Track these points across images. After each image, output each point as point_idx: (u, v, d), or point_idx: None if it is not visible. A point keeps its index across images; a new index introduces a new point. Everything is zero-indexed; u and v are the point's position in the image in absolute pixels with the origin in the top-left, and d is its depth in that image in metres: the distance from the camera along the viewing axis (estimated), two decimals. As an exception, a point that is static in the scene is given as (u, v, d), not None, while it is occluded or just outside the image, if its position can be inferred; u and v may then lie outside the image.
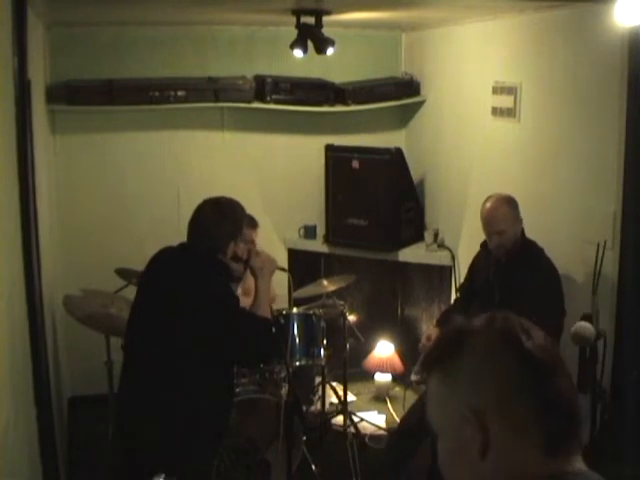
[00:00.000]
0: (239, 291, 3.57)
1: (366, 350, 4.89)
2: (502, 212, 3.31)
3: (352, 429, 4.22)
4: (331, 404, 4.55)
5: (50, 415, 2.87)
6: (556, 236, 3.50)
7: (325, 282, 4.33)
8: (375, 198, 4.75)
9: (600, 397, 2.75)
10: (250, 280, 3.06)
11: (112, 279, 3.95)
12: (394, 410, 4.69)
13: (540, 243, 3.37)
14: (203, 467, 2.73)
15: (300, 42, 3.99)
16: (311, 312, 3.75)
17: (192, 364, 2.60)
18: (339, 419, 4.29)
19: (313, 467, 3.76)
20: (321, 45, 3.96)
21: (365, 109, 5.03)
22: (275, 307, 3.35)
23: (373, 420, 4.51)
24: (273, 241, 5.07)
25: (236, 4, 3.68)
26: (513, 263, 3.33)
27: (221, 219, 2.76)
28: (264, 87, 4.78)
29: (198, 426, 2.60)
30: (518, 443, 0.99)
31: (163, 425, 2.58)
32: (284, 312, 3.65)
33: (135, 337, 2.76)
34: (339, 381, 4.40)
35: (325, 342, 3.69)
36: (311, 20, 3.88)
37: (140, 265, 3.03)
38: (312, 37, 3.95)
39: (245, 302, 2.97)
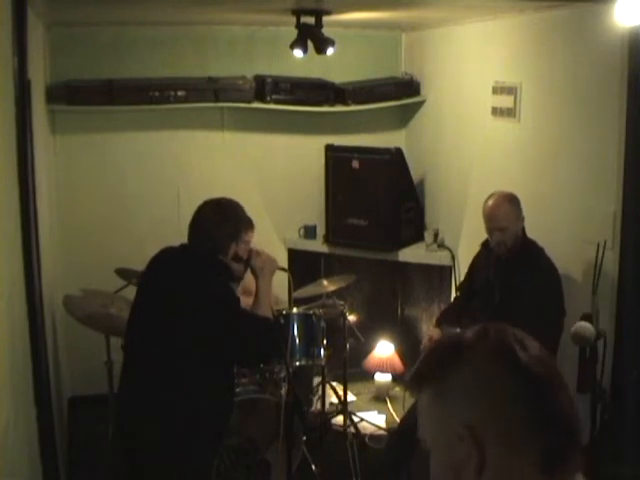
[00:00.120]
0: (239, 290, 3.57)
1: (366, 350, 4.89)
2: (504, 209, 3.32)
3: (352, 429, 4.21)
4: (331, 404, 4.55)
5: (50, 415, 2.87)
6: (556, 236, 3.50)
7: (325, 282, 4.33)
8: (375, 198, 4.75)
9: (600, 397, 2.75)
10: (250, 280, 3.06)
11: (112, 279, 3.95)
12: (394, 410, 4.69)
13: (540, 243, 3.37)
14: (203, 467, 2.73)
15: (300, 42, 3.99)
16: (311, 312, 3.75)
17: (192, 364, 2.60)
18: (339, 419, 4.29)
19: (313, 467, 3.76)
20: (321, 45, 3.96)
21: (365, 109, 5.03)
22: (275, 307, 3.35)
23: (373, 420, 4.51)
24: (273, 241, 5.07)
25: (236, 4, 3.68)
26: (513, 263, 3.34)
27: (222, 220, 2.76)
28: (264, 87, 4.78)
29: (198, 426, 2.60)
30: (515, 461, 0.95)
31: (163, 425, 2.58)
32: (284, 312, 3.65)
33: (135, 337, 2.76)
34: (339, 381, 4.40)
35: (325, 342, 3.69)
36: (311, 20, 3.88)
37: (140, 265, 3.03)
38: (312, 37, 3.95)
39: (245, 302, 2.97)
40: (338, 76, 5.06)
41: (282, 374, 3.57)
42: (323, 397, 4.31)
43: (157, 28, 4.69)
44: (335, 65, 4.92)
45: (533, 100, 3.77)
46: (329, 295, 4.27)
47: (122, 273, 3.95)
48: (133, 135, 4.78)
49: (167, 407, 2.57)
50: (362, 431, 4.29)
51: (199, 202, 2.85)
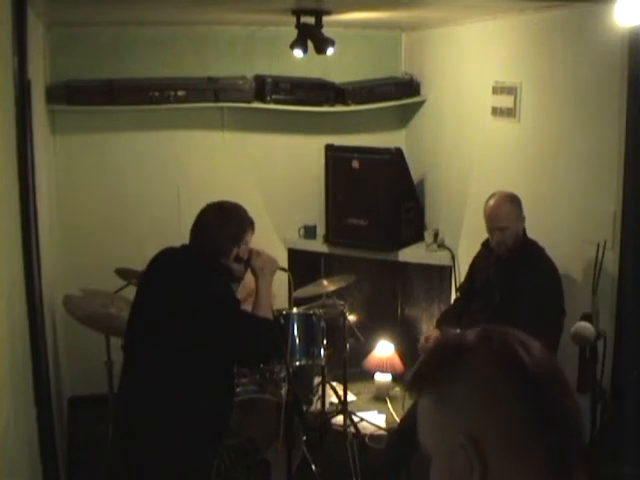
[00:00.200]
0: (244, 295, 3.56)
1: (366, 350, 4.89)
2: (505, 209, 3.33)
3: (352, 429, 4.22)
4: (331, 404, 4.55)
5: (50, 415, 2.87)
6: (556, 236, 3.50)
7: (325, 282, 4.33)
8: (375, 198, 4.75)
9: (600, 397, 2.75)
10: (250, 280, 3.06)
11: (112, 279, 3.95)
12: (394, 410, 4.69)
13: (540, 243, 3.37)
14: (203, 467, 2.73)
15: (300, 42, 3.99)
16: (311, 312, 3.75)
17: (192, 364, 2.59)
18: (339, 419, 4.29)
19: (313, 467, 3.77)
20: (321, 45, 3.96)
21: (365, 109, 5.03)
22: (275, 307, 3.35)
23: (373, 420, 4.51)
24: (273, 241, 5.07)
25: (236, 4, 3.68)
26: (514, 262, 3.34)
27: (224, 223, 2.75)
28: (264, 87, 4.78)
29: (198, 426, 2.60)
30: (517, 465, 0.93)
31: (163, 425, 2.57)
32: (284, 312, 3.65)
33: (135, 337, 2.76)
34: (339, 381, 4.40)
35: (325, 342, 3.69)
36: (311, 20, 3.88)
37: (140, 265, 3.03)
38: (312, 37, 3.95)
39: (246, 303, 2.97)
40: (338, 76, 5.06)
41: (282, 374, 3.57)
42: (323, 397, 4.31)
43: (157, 28, 4.69)
44: (335, 65, 4.92)
45: (533, 100, 3.77)
46: (329, 295, 4.27)
47: (122, 273, 3.95)
48: (133, 135, 4.78)
49: (167, 407, 2.57)
50: (362, 431, 4.29)
51: (199, 202, 2.85)
